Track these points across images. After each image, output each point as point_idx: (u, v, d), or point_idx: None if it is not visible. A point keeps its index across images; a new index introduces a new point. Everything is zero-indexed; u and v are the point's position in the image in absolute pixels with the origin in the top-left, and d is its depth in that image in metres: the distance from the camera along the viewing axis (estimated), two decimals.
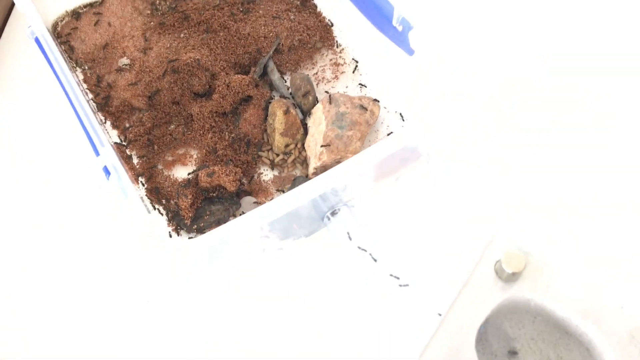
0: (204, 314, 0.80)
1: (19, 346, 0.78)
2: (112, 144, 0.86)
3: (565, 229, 0.84)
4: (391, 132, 0.92)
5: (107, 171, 0.71)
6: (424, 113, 0.88)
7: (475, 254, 0.70)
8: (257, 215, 0.69)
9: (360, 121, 0.89)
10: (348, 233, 0.74)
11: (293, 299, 0.79)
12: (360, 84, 0.97)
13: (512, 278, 0.65)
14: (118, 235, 0.84)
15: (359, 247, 0.73)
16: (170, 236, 0.84)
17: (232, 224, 0.69)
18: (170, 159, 0.92)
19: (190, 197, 0.84)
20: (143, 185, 0.88)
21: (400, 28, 0.83)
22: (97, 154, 0.72)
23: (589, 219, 0.84)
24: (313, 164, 0.87)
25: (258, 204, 0.86)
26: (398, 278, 0.72)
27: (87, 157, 0.74)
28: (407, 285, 0.71)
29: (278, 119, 0.90)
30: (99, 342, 0.79)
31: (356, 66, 0.99)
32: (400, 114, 0.94)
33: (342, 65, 1.00)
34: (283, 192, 0.89)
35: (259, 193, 0.89)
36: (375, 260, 0.72)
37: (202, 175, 0.84)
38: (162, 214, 0.87)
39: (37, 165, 0.94)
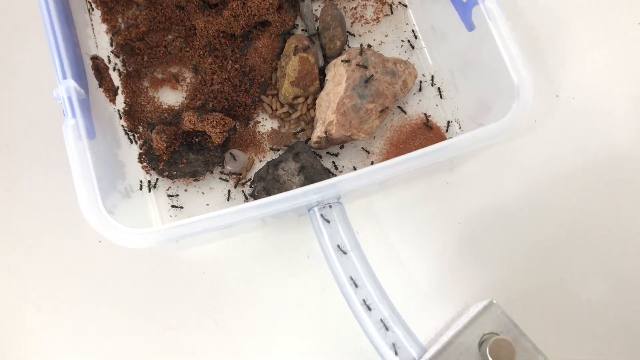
0: (200, 319, 0.73)
1: (19, 345, 0.72)
2: (90, 56, 0.71)
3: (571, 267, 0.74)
4: (426, 115, 0.77)
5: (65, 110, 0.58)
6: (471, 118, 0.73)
7: (465, 312, 0.60)
8: (225, 218, 0.57)
9: (387, 93, 0.73)
10: (339, 246, 0.63)
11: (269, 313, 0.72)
12: (402, 40, 0.80)
13: None
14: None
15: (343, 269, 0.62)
16: (141, 188, 0.73)
17: (199, 221, 0.57)
18: (159, 76, 0.78)
19: (168, 138, 0.72)
20: (124, 106, 0.76)
21: (464, 0, 0.65)
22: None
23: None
24: (318, 131, 0.73)
25: (234, 159, 0.74)
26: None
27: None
28: None
29: (291, 65, 0.74)
30: (97, 340, 0.73)
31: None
32: (439, 88, 0.78)
33: (388, 5, 0.82)
34: (278, 151, 0.76)
35: (250, 146, 0.76)
36: (356, 286, 0.62)
37: (187, 118, 0.71)
38: (135, 143, 0.75)
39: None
